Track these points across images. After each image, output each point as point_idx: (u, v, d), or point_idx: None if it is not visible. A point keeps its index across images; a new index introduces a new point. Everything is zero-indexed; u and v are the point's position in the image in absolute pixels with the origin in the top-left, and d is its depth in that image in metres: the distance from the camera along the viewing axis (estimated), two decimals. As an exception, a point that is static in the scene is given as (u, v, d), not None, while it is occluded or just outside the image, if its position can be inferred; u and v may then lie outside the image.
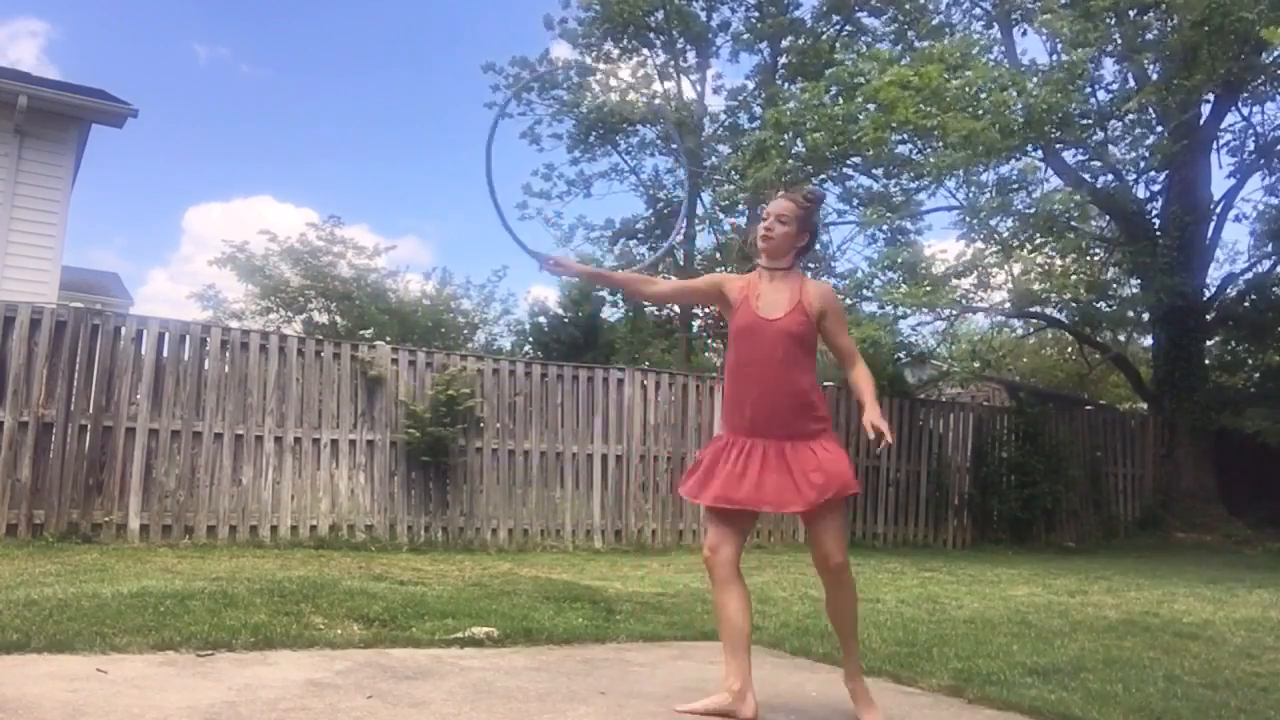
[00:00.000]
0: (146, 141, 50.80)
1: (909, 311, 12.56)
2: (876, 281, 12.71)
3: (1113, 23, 13.25)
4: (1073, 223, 13.56)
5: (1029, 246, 13.94)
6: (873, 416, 3.02)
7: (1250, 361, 16.24)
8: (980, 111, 11.89)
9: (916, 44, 15.67)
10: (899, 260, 12.58)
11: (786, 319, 3.15)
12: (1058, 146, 14.05)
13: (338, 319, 18.80)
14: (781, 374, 3.12)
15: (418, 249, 43.91)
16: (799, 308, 3.17)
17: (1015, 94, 11.80)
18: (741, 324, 3.21)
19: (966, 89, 11.92)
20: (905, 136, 13.09)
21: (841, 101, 12.89)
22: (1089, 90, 13.95)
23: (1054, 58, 14.13)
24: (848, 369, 3.24)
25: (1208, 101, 13.72)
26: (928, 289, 11.91)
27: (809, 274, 3.83)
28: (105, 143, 60.24)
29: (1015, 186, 13.11)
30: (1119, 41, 13.58)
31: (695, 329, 21.43)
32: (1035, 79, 12.60)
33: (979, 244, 13.57)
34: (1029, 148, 13.08)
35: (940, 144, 12.23)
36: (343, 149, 44.75)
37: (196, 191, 52.19)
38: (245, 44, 44.99)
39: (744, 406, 3.15)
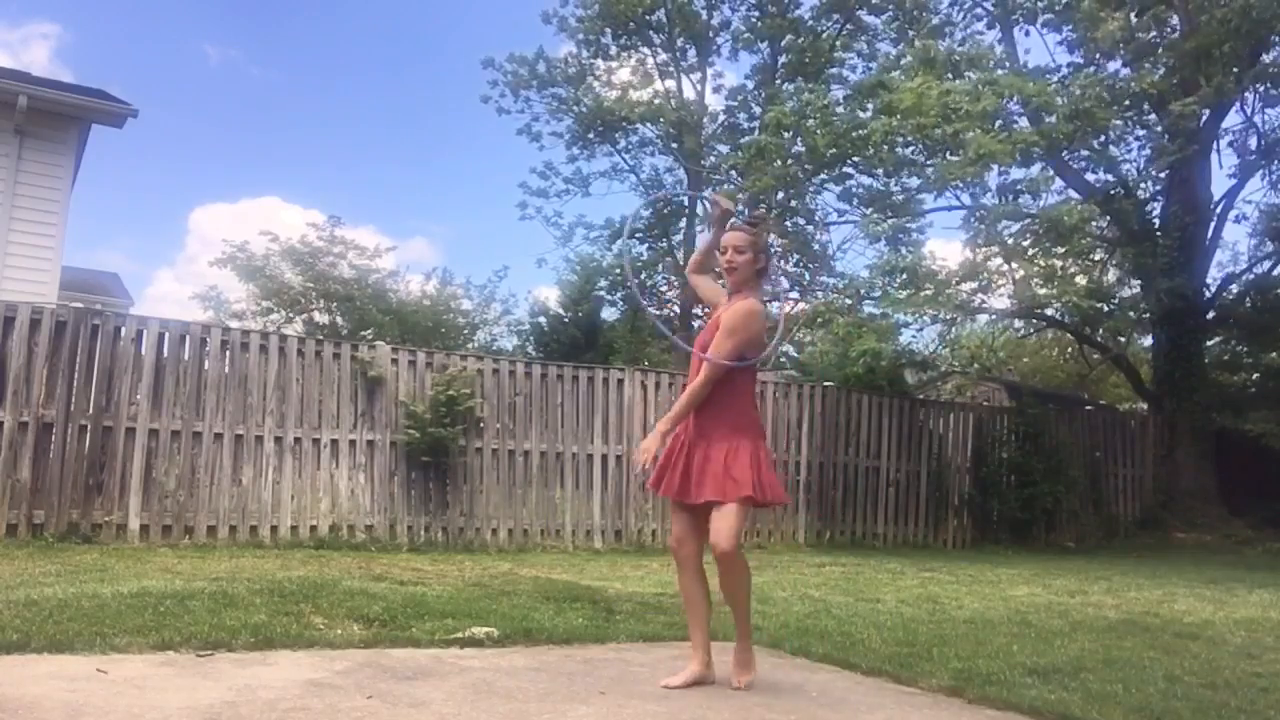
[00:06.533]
0: (155, 142, 50.66)
1: (910, 319, 12.52)
2: (876, 291, 12.69)
3: (1118, 29, 13.23)
4: (1077, 228, 13.53)
5: (1034, 251, 13.91)
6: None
7: (1250, 361, 16.23)
8: (998, 124, 11.85)
9: (918, 43, 15.68)
10: (900, 266, 12.56)
11: (703, 336, 3.60)
12: (1062, 151, 14.03)
13: (339, 319, 18.79)
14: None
15: (425, 250, 43.91)
16: (712, 325, 3.55)
17: (1028, 106, 11.73)
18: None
19: (984, 99, 11.80)
20: (911, 139, 13.06)
21: (845, 103, 12.86)
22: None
23: (1082, 56, 14.03)
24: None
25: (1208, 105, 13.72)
26: (929, 293, 11.88)
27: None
28: (112, 143, 60.16)
29: (1022, 191, 13.07)
30: (1122, 47, 13.56)
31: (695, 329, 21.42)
32: (1068, 86, 12.52)
33: (983, 248, 13.55)
34: (1035, 152, 13.06)
35: (949, 155, 12.19)
36: (350, 151, 44.68)
37: (203, 192, 52.17)
38: (256, 46, 44.97)
39: None
